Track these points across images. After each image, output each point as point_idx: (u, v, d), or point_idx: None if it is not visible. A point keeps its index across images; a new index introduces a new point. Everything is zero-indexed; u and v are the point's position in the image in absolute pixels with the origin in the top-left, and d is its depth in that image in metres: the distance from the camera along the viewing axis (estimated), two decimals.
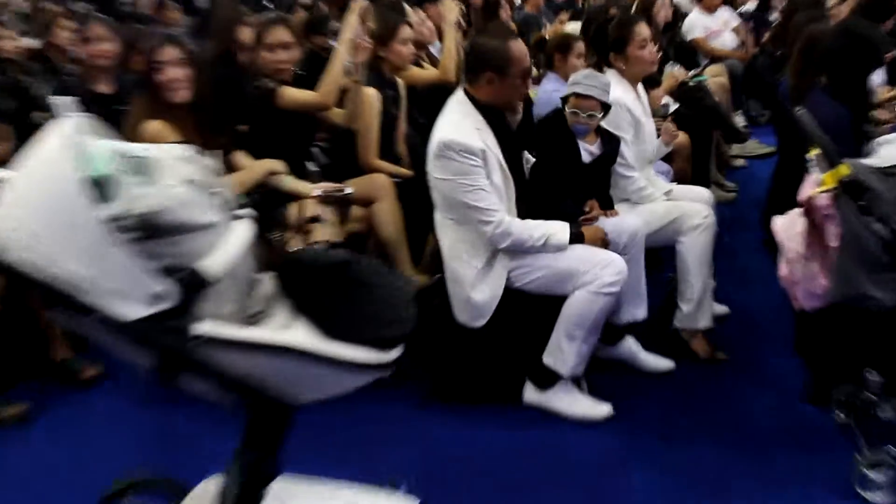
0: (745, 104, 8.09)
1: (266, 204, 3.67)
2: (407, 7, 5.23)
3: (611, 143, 3.87)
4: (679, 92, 6.07)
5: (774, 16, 8.58)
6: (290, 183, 3.87)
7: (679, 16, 8.29)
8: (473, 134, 3.34)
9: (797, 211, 2.97)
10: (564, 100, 3.81)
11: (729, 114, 6.94)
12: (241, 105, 3.99)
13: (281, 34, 4.07)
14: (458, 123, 3.39)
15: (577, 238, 3.43)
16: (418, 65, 5.12)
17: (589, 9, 6.30)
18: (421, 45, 5.30)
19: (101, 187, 1.70)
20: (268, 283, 2.07)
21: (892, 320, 2.72)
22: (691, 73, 6.84)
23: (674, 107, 5.65)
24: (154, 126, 3.52)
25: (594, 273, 3.32)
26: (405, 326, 1.91)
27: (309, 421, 2.05)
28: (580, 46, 4.82)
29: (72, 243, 1.64)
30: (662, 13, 6.72)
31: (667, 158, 5.01)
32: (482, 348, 3.56)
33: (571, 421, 3.45)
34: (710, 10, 8.17)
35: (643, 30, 4.10)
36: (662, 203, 4.03)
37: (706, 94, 6.11)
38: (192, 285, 1.73)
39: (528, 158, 3.81)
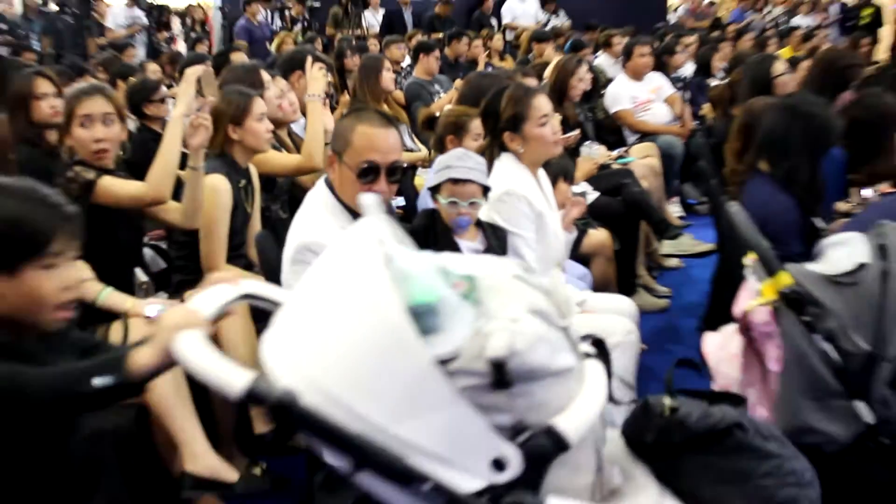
0: (680, 190, 8.30)
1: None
2: (265, 75, 5.27)
3: (496, 237, 3.86)
4: (599, 177, 6.23)
5: (717, 83, 8.80)
6: (109, 297, 3.76)
7: (600, 84, 8.47)
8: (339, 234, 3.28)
9: (732, 327, 3.02)
10: (435, 190, 3.78)
11: (660, 203, 7.12)
12: None
13: (97, 105, 3.98)
14: (321, 220, 3.33)
15: None
16: (277, 148, 5.14)
17: (473, 77, 6.12)
18: (280, 123, 5.32)
19: (420, 319, 1.63)
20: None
21: (848, 461, 2.71)
22: (615, 153, 7.04)
23: (592, 196, 5.78)
24: None
25: None
26: None
27: None
28: (477, 125, 4.82)
29: (399, 394, 1.57)
30: (581, 86, 6.87)
31: (584, 261, 5.09)
32: None
33: None
34: (638, 75, 8.30)
35: (542, 103, 4.15)
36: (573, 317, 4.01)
37: (632, 180, 6.28)
38: (545, 449, 1.65)
39: None
